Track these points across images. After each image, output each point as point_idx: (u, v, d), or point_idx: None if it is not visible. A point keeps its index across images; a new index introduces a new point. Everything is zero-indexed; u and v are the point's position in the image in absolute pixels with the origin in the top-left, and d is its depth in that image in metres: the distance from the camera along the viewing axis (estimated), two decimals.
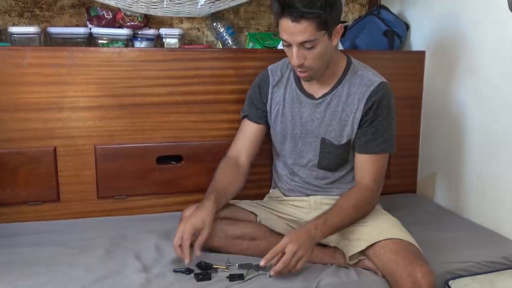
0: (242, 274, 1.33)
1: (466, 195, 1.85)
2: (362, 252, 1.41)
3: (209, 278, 1.32)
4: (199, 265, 1.37)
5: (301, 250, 1.30)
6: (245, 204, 1.59)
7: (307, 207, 1.60)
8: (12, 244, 1.51)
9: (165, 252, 1.46)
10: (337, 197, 1.53)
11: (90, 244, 1.51)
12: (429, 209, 1.93)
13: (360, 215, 1.46)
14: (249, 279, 1.32)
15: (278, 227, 1.54)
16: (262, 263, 1.29)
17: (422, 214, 1.85)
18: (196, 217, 1.37)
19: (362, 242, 1.40)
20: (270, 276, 1.32)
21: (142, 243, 1.53)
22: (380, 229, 1.42)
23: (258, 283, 1.31)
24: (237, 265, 1.39)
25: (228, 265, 1.38)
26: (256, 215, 1.54)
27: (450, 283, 1.39)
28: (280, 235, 1.51)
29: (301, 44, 1.36)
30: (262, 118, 1.62)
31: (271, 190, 1.75)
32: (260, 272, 1.34)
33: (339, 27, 1.42)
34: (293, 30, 1.34)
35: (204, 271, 1.34)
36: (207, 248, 1.46)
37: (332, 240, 1.48)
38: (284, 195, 1.66)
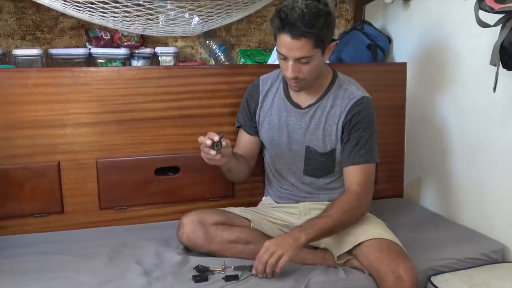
0: (237, 275, 1.40)
1: (449, 197, 1.93)
2: (350, 252, 1.48)
3: (206, 280, 1.39)
4: (196, 268, 1.45)
5: (280, 249, 1.35)
6: (240, 210, 1.66)
7: (297, 213, 1.67)
8: (21, 254, 1.57)
9: (164, 258, 1.54)
10: (326, 202, 1.61)
11: (93, 252, 1.58)
12: (415, 212, 2.00)
13: (349, 218, 1.48)
14: (244, 279, 1.40)
15: (271, 231, 1.62)
16: (254, 272, 1.38)
17: (409, 217, 1.91)
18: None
19: (348, 243, 1.48)
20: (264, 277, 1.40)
21: (142, 250, 1.59)
22: (366, 230, 1.50)
23: (251, 282, 1.39)
24: (232, 267, 1.46)
25: (224, 268, 1.45)
26: (250, 220, 1.61)
27: (432, 278, 1.46)
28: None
29: (297, 59, 1.44)
30: (255, 129, 1.71)
31: (263, 198, 1.83)
32: (254, 273, 1.41)
33: (332, 45, 1.51)
34: (291, 46, 1.42)
35: (201, 273, 1.42)
36: (204, 252, 1.54)
37: (323, 242, 1.55)
38: (275, 201, 1.74)
